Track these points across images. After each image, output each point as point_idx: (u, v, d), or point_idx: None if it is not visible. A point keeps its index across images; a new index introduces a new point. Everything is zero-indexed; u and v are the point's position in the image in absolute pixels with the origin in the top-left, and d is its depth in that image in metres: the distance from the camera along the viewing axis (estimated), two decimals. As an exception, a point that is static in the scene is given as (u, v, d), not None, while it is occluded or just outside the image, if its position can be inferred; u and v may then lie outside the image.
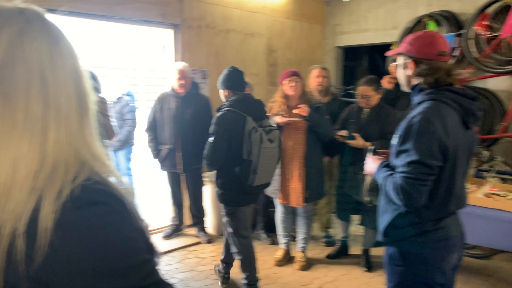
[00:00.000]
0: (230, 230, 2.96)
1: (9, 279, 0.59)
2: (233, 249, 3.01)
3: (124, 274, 0.65)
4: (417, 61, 1.67)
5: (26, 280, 0.59)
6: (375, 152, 1.90)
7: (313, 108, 3.35)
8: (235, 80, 2.88)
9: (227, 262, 3.24)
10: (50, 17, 0.70)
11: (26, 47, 0.63)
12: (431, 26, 4.35)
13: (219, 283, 3.28)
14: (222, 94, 2.97)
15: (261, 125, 2.78)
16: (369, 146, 1.98)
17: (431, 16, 4.38)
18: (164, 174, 4.15)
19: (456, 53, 4.07)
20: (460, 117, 1.64)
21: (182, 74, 3.81)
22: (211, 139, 2.72)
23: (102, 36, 5.56)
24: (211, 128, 2.75)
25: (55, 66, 0.66)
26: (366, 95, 3.32)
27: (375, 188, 2.23)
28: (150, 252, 0.73)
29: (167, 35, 4.32)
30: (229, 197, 2.86)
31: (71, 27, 3.72)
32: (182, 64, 3.88)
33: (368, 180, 3.05)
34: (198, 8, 4.35)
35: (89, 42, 5.52)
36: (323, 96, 3.95)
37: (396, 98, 3.75)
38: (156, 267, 0.73)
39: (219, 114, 2.78)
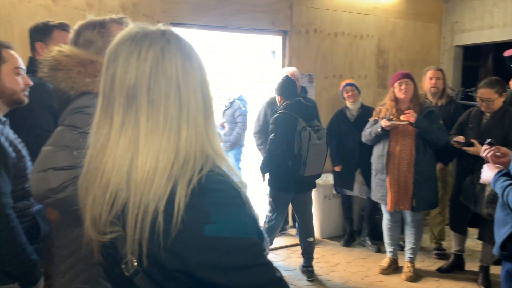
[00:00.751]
0: (269, 210, 3.38)
1: (151, 247, 0.74)
2: (265, 225, 3.40)
3: (238, 251, 0.76)
4: None
5: (164, 250, 0.73)
6: (491, 145, 1.75)
7: (425, 112, 3.18)
8: (286, 88, 3.32)
9: (307, 253, 3.50)
10: (184, 35, 0.85)
11: (166, 62, 0.78)
12: None
13: (306, 278, 3.46)
14: (277, 99, 3.46)
15: (311, 125, 3.20)
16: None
17: None
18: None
19: None
20: None
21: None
22: (271, 135, 3.18)
23: (217, 43, 6.02)
24: (270, 128, 3.24)
25: (187, 77, 0.80)
26: (487, 98, 3.04)
27: (495, 200, 2.05)
28: (260, 237, 0.83)
29: (276, 41, 4.50)
30: (278, 184, 3.29)
31: (194, 38, 4.13)
32: (292, 69, 3.99)
33: (487, 191, 2.80)
34: (307, 14, 4.44)
35: (206, 50, 6.01)
36: (438, 99, 3.72)
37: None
38: (265, 252, 0.83)
39: (275, 115, 3.24)
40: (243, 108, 4.94)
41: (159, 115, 0.76)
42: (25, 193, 1.55)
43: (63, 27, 2.14)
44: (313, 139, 3.12)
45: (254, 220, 0.83)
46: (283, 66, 4.42)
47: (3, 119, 1.60)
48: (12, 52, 1.63)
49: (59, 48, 1.38)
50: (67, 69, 1.34)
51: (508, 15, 4.63)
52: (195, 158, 0.78)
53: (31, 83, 1.67)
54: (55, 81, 1.36)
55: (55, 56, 1.36)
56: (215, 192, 0.76)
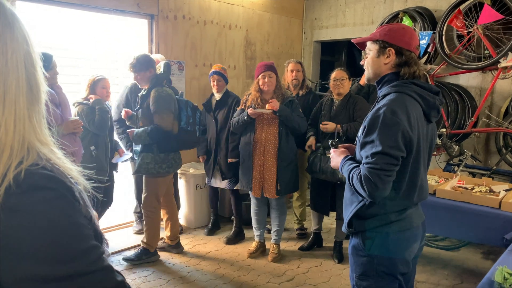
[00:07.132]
0: None
1: None
2: None
3: (71, 259, 0.64)
4: (398, 50, 1.67)
5: None
6: (335, 146, 1.91)
7: (286, 101, 3.36)
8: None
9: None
10: (5, 1, 0.69)
11: None
12: (406, 22, 4.40)
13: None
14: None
15: None
16: (335, 134, 1.99)
17: (406, 12, 4.44)
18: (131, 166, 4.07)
19: (430, 49, 4.13)
20: (422, 111, 1.66)
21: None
22: None
23: (77, 25, 5.43)
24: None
25: (6, 48, 0.65)
26: (340, 77, 3.45)
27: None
28: (98, 239, 0.73)
29: (142, 25, 4.25)
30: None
31: (45, 15, 3.61)
32: (159, 56, 3.83)
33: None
34: (175, -1, 4.29)
35: (63, 30, 5.37)
36: (298, 89, 3.97)
37: (368, 93, 3.82)
38: (104, 254, 0.72)
39: None
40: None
41: None
42: None
43: None
44: None
45: (90, 220, 0.72)
46: (150, 51, 4.21)
47: None
48: None
49: None
50: None
51: (357, 15, 5.18)
52: (12, 149, 0.63)
53: None
54: None
55: None
56: (38, 189, 0.63)
